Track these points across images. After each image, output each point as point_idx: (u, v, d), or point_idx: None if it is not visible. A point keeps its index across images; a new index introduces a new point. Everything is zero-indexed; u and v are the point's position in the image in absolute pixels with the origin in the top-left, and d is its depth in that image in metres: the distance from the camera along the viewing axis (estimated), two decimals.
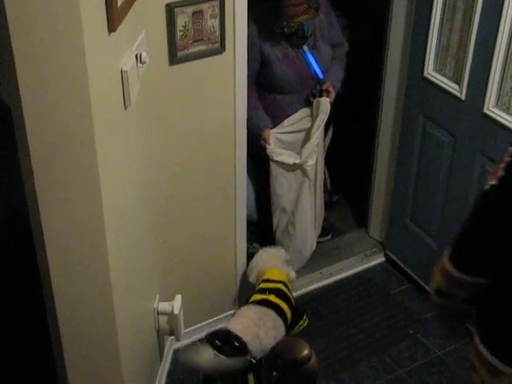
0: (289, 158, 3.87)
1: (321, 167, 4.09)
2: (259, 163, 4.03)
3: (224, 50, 3.18)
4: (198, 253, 3.64)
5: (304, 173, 3.95)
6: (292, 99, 3.90)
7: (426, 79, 3.74)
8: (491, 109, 3.44)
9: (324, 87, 3.90)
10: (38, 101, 2.19)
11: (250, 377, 3.27)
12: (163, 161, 3.26)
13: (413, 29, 3.76)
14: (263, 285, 3.59)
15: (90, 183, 2.35)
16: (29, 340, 3.67)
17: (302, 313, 3.74)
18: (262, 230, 4.33)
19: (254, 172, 4.13)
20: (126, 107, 2.59)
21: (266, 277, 3.63)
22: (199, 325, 3.84)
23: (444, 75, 3.67)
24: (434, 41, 3.65)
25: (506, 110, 3.40)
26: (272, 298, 3.50)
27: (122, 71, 2.50)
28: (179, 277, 3.61)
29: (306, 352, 2.82)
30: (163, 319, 3.41)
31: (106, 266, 2.53)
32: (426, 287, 4.11)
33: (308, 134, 3.93)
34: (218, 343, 3.18)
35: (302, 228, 4.13)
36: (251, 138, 3.68)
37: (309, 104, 3.94)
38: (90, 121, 2.24)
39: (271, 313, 3.43)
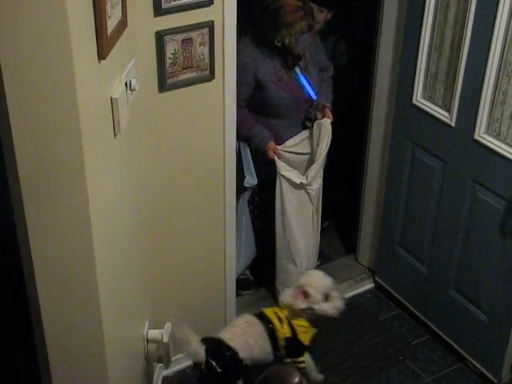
0: (296, 177, 3.88)
1: (321, 193, 4.09)
2: (259, 189, 4.05)
3: (213, 77, 3.19)
4: (188, 281, 3.62)
5: (308, 198, 3.97)
6: (287, 123, 3.92)
7: (415, 106, 3.76)
8: (482, 135, 3.45)
9: (321, 108, 3.92)
10: (28, 128, 2.18)
11: (240, 383, 3.38)
12: (152, 188, 3.26)
13: (401, 56, 3.79)
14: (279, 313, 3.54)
15: (79, 211, 2.34)
16: (16, 366, 3.63)
17: (302, 352, 3.57)
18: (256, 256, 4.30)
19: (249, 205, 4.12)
20: (115, 134, 2.59)
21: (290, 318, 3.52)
22: None
23: (433, 102, 3.69)
24: (423, 68, 3.67)
25: (497, 137, 3.41)
26: (269, 312, 3.52)
27: (111, 99, 2.51)
28: (169, 304, 3.59)
29: (296, 380, 2.80)
30: (152, 347, 3.39)
31: (95, 292, 2.52)
32: (416, 313, 4.12)
33: (312, 156, 3.95)
34: (211, 355, 3.28)
35: (306, 253, 4.12)
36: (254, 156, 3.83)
37: (305, 128, 3.96)
38: (80, 148, 2.24)
39: (259, 324, 3.46)
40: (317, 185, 3.95)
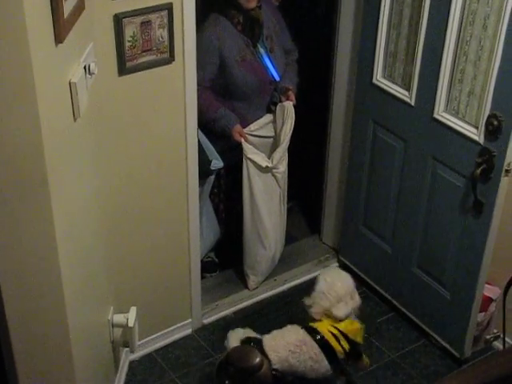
0: (261, 160, 3.88)
1: (287, 176, 4.10)
2: (226, 173, 4.05)
3: (173, 59, 3.17)
4: (152, 264, 3.62)
5: (275, 181, 3.98)
6: (251, 106, 3.91)
7: (375, 86, 3.78)
8: (441, 113, 3.49)
9: (285, 91, 3.93)
10: None
11: None
12: (114, 172, 3.24)
13: (361, 35, 3.80)
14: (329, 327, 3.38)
15: (40, 197, 2.32)
16: None
17: (361, 352, 3.50)
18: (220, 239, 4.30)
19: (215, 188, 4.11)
20: (75, 119, 2.57)
21: (337, 325, 3.38)
22: (154, 336, 3.83)
23: (393, 81, 3.72)
24: (382, 47, 3.69)
25: (456, 115, 3.45)
26: (325, 332, 3.34)
27: (70, 83, 2.48)
28: (133, 288, 3.59)
29: (257, 359, 2.82)
30: (118, 331, 3.39)
31: (58, 280, 2.51)
32: (380, 291, 4.16)
33: (276, 139, 3.95)
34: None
35: (274, 236, 4.13)
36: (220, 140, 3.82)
37: (269, 112, 3.97)
38: (39, 133, 2.22)
39: (314, 346, 3.30)
40: (283, 168, 3.97)
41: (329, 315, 3.35)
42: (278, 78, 3.92)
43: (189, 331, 3.97)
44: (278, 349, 3.23)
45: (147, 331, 3.76)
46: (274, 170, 3.93)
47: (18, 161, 2.26)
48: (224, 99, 3.87)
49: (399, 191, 3.86)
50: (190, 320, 3.94)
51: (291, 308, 4.15)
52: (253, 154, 3.86)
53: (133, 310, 3.40)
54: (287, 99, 3.92)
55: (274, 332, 3.35)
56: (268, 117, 3.97)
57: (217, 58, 3.75)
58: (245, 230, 4.08)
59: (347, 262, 4.38)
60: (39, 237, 2.41)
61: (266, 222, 4.04)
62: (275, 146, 3.96)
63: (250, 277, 4.20)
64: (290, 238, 4.58)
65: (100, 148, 3.08)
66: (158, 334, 3.85)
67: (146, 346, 3.81)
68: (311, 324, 3.38)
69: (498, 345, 3.88)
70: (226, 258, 4.39)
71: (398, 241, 3.96)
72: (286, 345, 3.26)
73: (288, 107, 3.89)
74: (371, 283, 4.23)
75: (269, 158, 3.92)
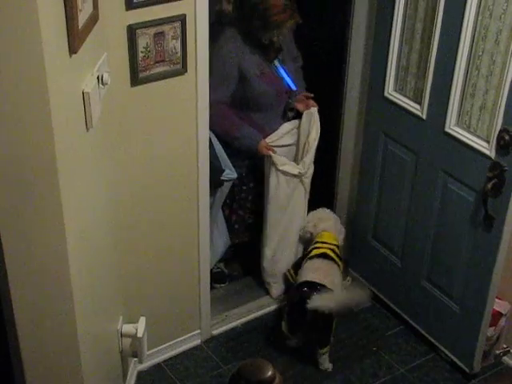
0: (293, 168, 3.91)
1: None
2: (246, 182, 4.07)
3: (186, 70, 3.19)
4: (162, 275, 3.62)
5: (303, 186, 4.01)
6: (267, 116, 3.94)
7: (387, 99, 3.78)
8: (452, 127, 3.49)
9: (304, 99, 3.97)
10: None
11: None
12: (125, 182, 3.25)
13: (372, 49, 3.81)
14: (320, 245, 3.99)
15: (52, 206, 2.33)
16: None
17: (346, 274, 4.25)
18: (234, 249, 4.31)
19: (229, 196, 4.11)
20: (87, 129, 2.59)
21: (322, 239, 4.02)
22: (162, 346, 3.83)
23: (404, 95, 3.72)
24: (394, 61, 3.70)
25: (467, 129, 3.45)
26: (329, 252, 3.95)
27: (83, 93, 2.50)
28: (143, 298, 3.59)
29: (269, 373, 2.81)
30: (127, 341, 3.39)
31: (68, 289, 2.51)
32: (390, 304, 4.15)
33: (303, 146, 3.99)
34: (308, 291, 3.69)
35: (295, 242, 4.17)
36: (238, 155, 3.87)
37: (284, 119, 4.01)
38: (52, 142, 2.23)
39: (334, 265, 3.92)
40: (311, 171, 4.00)
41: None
42: (294, 88, 3.96)
43: (198, 342, 3.96)
44: (324, 277, 3.77)
45: (156, 341, 3.76)
46: (303, 176, 3.96)
47: (30, 170, 2.26)
48: (241, 111, 3.88)
49: (409, 204, 3.85)
50: (198, 331, 3.94)
51: None
52: (283, 165, 3.89)
53: (142, 320, 3.40)
54: (305, 106, 3.96)
55: (305, 272, 3.84)
56: (286, 126, 4.01)
57: (236, 72, 3.75)
58: (269, 239, 4.09)
59: (356, 275, 4.38)
60: (50, 246, 2.41)
61: (294, 228, 4.11)
62: (296, 152, 4.01)
63: (272, 285, 4.21)
64: None
65: (112, 158, 3.09)
66: (167, 344, 3.85)
67: (154, 357, 3.81)
68: (316, 252, 3.96)
69: (507, 360, 3.87)
70: (235, 269, 4.39)
71: (407, 254, 3.96)
72: (324, 272, 3.82)
73: (314, 113, 3.94)
74: (380, 296, 4.22)
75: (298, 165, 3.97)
